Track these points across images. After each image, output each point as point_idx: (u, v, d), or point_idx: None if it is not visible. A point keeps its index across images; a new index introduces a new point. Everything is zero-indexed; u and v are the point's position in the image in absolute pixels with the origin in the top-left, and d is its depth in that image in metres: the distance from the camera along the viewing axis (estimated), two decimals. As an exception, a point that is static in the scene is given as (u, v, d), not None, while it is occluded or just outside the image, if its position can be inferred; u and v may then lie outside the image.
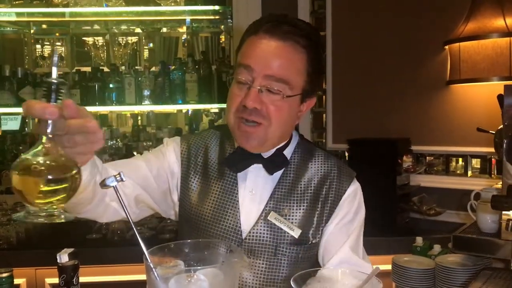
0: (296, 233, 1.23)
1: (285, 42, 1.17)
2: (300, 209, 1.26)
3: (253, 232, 1.24)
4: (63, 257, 0.92)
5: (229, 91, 1.24)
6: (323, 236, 1.28)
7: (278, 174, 1.28)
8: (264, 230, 1.23)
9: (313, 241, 1.26)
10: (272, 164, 1.26)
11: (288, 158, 1.30)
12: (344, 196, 1.30)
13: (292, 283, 0.73)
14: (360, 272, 0.74)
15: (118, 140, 3.02)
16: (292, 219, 1.25)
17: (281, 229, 1.23)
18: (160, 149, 1.35)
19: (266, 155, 1.27)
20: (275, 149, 1.28)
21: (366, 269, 1.18)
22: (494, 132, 2.02)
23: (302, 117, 1.31)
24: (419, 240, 2.11)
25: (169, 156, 1.32)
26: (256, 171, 1.27)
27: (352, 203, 1.31)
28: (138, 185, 1.23)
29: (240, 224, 1.24)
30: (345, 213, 1.29)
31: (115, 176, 0.82)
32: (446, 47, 2.47)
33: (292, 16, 1.26)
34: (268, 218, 1.23)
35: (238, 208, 1.25)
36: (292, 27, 1.19)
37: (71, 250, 0.93)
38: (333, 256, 1.25)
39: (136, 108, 3.08)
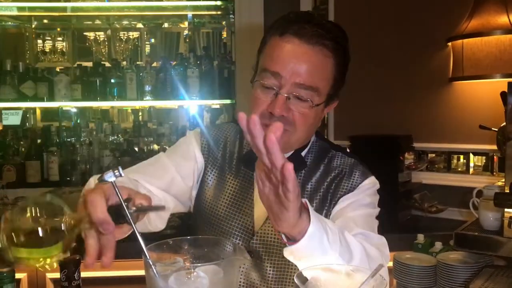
0: None
1: (314, 47, 1.12)
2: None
3: (261, 232, 1.22)
4: (64, 252, 0.91)
5: (252, 94, 1.19)
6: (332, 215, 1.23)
7: None
8: (271, 230, 1.22)
9: None
10: None
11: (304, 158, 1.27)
12: (353, 190, 1.24)
13: (295, 280, 0.73)
14: (367, 268, 0.74)
15: (119, 135, 3.01)
16: None
17: None
18: (187, 147, 1.31)
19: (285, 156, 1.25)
20: (293, 150, 1.26)
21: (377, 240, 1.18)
22: (497, 130, 2.01)
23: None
24: (420, 237, 2.10)
25: (196, 153, 1.30)
26: None
27: (360, 196, 1.25)
28: (168, 194, 1.22)
29: (253, 224, 1.23)
30: (349, 203, 1.23)
31: (113, 171, 0.82)
32: (449, 43, 2.45)
33: (318, 15, 1.21)
34: None
35: (253, 208, 1.24)
36: (321, 30, 1.14)
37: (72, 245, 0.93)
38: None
39: (138, 104, 3.08)
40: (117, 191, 0.79)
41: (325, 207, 1.25)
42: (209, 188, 1.28)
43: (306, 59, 1.12)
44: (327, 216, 1.25)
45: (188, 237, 0.87)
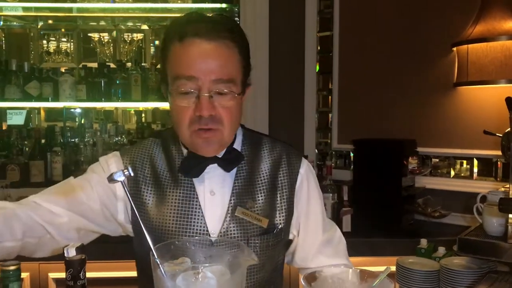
0: (264, 223, 1.25)
1: (216, 41, 1.14)
2: (261, 198, 1.27)
3: (223, 231, 1.23)
4: (71, 251, 0.91)
5: (172, 104, 1.19)
6: (294, 226, 1.33)
7: (234, 169, 1.28)
8: (233, 226, 1.23)
9: (279, 227, 1.28)
10: (227, 161, 1.25)
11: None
12: (298, 179, 1.33)
13: (302, 281, 0.73)
14: (371, 271, 0.75)
15: (123, 136, 3.02)
16: (257, 210, 1.26)
17: (249, 222, 1.24)
18: (98, 173, 1.27)
19: (219, 154, 1.25)
20: (227, 146, 1.28)
21: (338, 236, 1.40)
22: (501, 135, 2.01)
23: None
24: (423, 242, 2.10)
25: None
26: (212, 171, 1.25)
27: (307, 185, 1.35)
28: (74, 213, 1.20)
29: (207, 227, 1.23)
30: (304, 198, 1.34)
31: (123, 170, 0.82)
32: (454, 49, 2.46)
33: (204, 13, 1.24)
34: (236, 214, 1.23)
35: (202, 212, 1.23)
36: (215, 24, 1.16)
37: (78, 244, 0.93)
38: (312, 247, 1.34)
39: (142, 105, 3.08)
40: (126, 190, 0.80)
41: (276, 195, 1.29)
42: (151, 207, 1.24)
43: (214, 55, 1.14)
44: (281, 203, 1.29)
45: (196, 237, 0.87)
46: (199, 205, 1.24)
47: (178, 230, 1.22)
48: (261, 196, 1.28)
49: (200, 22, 1.16)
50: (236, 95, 1.18)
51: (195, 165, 1.23)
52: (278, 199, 1.30)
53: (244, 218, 1.24)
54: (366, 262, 2.04)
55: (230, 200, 1.25)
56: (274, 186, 1.30)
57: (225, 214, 1.24)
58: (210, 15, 1.23)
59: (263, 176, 1.30)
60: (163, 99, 2.88)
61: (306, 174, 1.35)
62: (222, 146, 1.23)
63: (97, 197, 1.23)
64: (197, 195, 1.25)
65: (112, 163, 1.28)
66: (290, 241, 1.37)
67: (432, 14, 2.54)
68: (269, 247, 1.26)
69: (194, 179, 1.26)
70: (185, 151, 1.28)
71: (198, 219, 1.23)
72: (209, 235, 1.22)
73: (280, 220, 1.29)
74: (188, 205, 1.24)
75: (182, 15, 1.21)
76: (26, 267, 2.11)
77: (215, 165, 1.25)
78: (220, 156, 1.25)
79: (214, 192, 1.25)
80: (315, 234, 1.35)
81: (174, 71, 1.17)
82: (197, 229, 1.22)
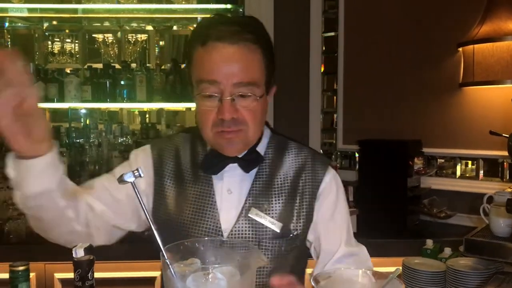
0: (277, 227, 1.24)
1: (238, 45, 1.15)
2: (279, 203, 1.26)
3: (235, 231, 1.23)
4: (79, 251, 0.91)
5: (197, 108, 1.22)
6: (311, 233, 1.29)
7: (254, 171, 1.28)
8: (245, 227, 1.23)
9: (295, 233, 1.26)
10: (247, 162, 1.26)
11: (262, 154, 1.30)
12: (321, 187, 1.30)
13: (312, 282, 0.73)
14: (381, 272, 0.74)
15: (128, 137, 3.02)
16: (272, 213, 1.25)
17: (262, 224, 1.23)
18: (128, 167, 1.30)
19: (240, 154, 1.26)
20: (250, 147, 1.28)
21: (364, 254, 1.32)
22: (507, 136, 2.00)
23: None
24: (429, 243, 2.10)
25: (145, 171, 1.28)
26: (231, 170, 1.27)
27: (331, 194, 1.31)
28: (110, 211, 1.24)
29: (220, 225, 1.24)
30: (327, 207, 1.30)
31: (133, 171, 0.82)
32: (460, 49, 2.45)
33: (230, 15, 1.23)
34: (249, 214, 1.23)
35: (217, 209, 1.25)
36: (237, 26, 1.17)
37: (87, 245, 0.93)
38: (333, 256, 1.27)
39: (147, 105, 3.09)
40: (137, 191, 0.80)
41: (295, 201, 1.28)
42: (171, 200, 1.28)
43: (236, 59, 1.15)
44: (299, 210, 1.27)
45: (206, 239, 0.87)
46: (215, 202, 1.25)
47: (191, 224, 1.24)
48: (279, 200, 1.27)
49: (222, 25, 1.17)
50: (258, 97, 1.18)
51: (216, 162, 1.25)
52: (297, 205, 1.28)
53: (256, 220, 1.23)
54: (372, 263, 2.04)
55: (246, 200, 1.25)
56: (294, 191, 1.29)
57: (239, 213, 1.24)
58: (236, 17, 1.23)
59: (284, 180, 1.29)
60: (167, 99, 2.91)
61: (331, 182, 1.32)
62: (246, 145, 1.25)
63: (126, 195, 1.26)
64: (214, 192, 1.26)
65: (139, 160, 1.32)
66: (307, 249, 1.35)
67: (437, 14, 2.53)
68: (282, 252, 1.25)
69: (213, 176, 1.27)
70: (209, 148, 1.30)
71: (212, 215, 1.24)
72: (222, 233, 1.23)
73: (297, 226, 1.27)
74: (204, 201, 1.26)
75: (207, 16, 1.21)
76: (32, 267, 2.08)
77: (235, 164, 1.26)
78: (240, 156, 1.26)
79: (231, 191, 1.27)
80: (334, 246, 1.29)
81: (197, 75, 1.19)
82: (210, 225, 1.24)
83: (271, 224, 1.24)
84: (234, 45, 1.15)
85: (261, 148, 1.31)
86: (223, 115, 1.15)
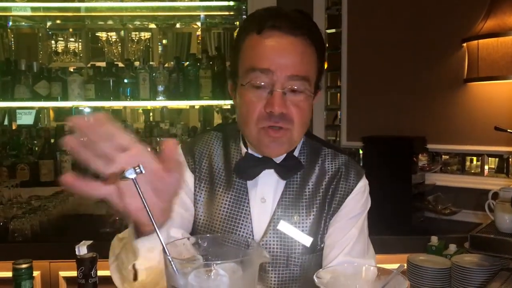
0: (307, 241, 1.17)
1: (296, 36, 1.08)
2: (310, 215, 1.18)
3: (262, 244, 1.15)
4: (82, 249, 0.92)
5: (242, 99, 1.12)
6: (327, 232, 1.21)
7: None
8: (274, 240, 1.16)
9: (322, 246, 1.20)
10: (285, 168, 1.17)
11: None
12: (351, 196, 1.21)
13: (315, 278, 0.72)
14: (385, 268, 0.74)
15: (131, 135, 3.03)
16: (303, 226, 1.17)
17: (292, 238, 1.16)
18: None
19: (278, 159, 1.18)
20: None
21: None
22: (513, 131, 1.99)
23: None
24: (434, 240, 2.09)
25: (187, 178, 1.22)
26: (266, 176, 1.18)
27: (357, 199, 1.23)
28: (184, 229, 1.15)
29: (253, 235, 1.16)
30: (349, 209, 1.21)
31: (134, 168, 0.81)
32: (464, 44, 2.43)
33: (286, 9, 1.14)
34: (278, 227, 1.16)
35: (250, 219, 1.17)
36: (296, 19, 1.10)
37: (89, 242, 0.93)
38: (338, 255, 1.18)
39: (151, 104, 3.09)
40: (138, 188, 0.79)
41: (324, 210, 1.20)
42: (202, 204, 1.20)
43: (292, 50, 1.09)
44: (326, 220, 1.19)
45: (208, 235, 0.86)
46: (249, 211, 1.18)
47: (222, 232, 1.16)
48: (310, 212, 1.18)
49: (280, 16, 1.10)
50: (309, 94, 1.11)
51: (251, 167, 1.17)
52: (325, 214, 1.19)
53: (286, 234, 1.16)
54: (376, 260, 2.03)
55: (275, 211, 1.17)
56: (324, 202, 1.20)
57: (267, 225, 1.17)
58: (293, 11, 1.15)
59: (316, 190, 1.20)
60: (171, 98, 2.91)
61: (361, 191, 1.24)
62: (289, 147, 1.16)
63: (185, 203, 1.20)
64: (248, 199, 1.18)
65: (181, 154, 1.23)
66: None
67: (441, 10, 2.52)
68: (311, 267, 1.16)
69: (247, 183, 1.19)
70: (243, 151, 1.22)
71: (245, 225, 1.17)
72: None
73: (322, 238, 1.19)
74: (237, 209, 1.18)
75: (260, 9, 1.14)
76: (36, 265, 2.10)
77: (272, 171, 1.18)
78: (278, 161, 1.17)
79: (264, 199, 1.19)
80: (340, 250, 1.19)
81: (248, 63, 1.10)
82: (242, 233, 1.17)
83: (301, 238, 1.16)
84: (291, 36, 1.08)
85: (296, 154, 1.22)
86: (272, 108, 1.07)
